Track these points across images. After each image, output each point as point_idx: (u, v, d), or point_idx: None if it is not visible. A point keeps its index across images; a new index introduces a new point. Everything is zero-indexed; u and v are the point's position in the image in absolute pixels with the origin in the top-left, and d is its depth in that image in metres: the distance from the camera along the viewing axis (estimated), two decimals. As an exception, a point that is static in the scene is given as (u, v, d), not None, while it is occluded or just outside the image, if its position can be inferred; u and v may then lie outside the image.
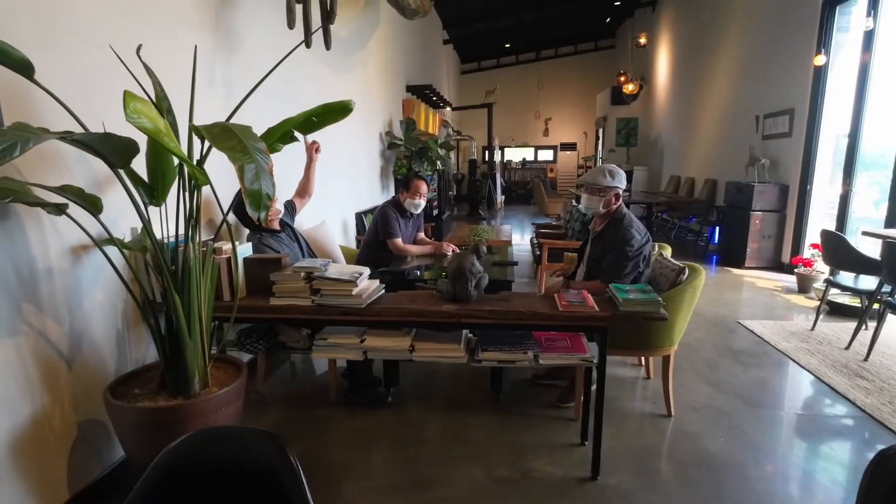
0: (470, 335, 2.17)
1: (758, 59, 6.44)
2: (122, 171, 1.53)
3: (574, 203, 6.33)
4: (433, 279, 2.81)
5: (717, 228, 7.00)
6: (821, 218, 5.45)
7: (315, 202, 4.01)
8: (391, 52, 6.65)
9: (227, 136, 1.43)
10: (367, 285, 2.14)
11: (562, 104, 15.80)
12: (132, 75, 1.69)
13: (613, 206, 2.56)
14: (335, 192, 4.46)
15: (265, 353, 2.25)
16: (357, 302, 2.02)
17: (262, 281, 2.11)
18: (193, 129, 1.50)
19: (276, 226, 2.78)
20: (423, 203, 3.53)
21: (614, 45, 14.86)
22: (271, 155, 2.04)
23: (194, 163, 1.66)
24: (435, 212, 7.12)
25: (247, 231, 2.75)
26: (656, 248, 3.12)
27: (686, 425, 2.47)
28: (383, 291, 2.22)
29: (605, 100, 12.44)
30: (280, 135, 1.92)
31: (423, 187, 3.51)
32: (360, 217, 4.98)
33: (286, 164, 3.33)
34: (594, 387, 2.07)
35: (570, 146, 16.19)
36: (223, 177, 2.17)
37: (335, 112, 1.95)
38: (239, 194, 2.79)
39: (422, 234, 3.76)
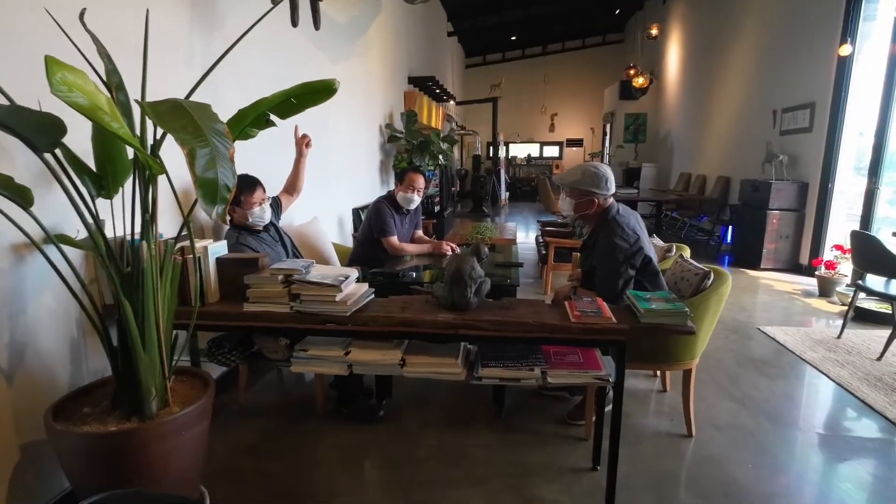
0: (469, 347, 1.93)
1: (776, 50, 6.14)
2: (53, 156, 1.29)
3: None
4: (431, 282, 2.57)
5: (731, 228, 6.72)
6: (842, 218, 5.18)
7: (308, 197, 3.78)
8: (393, 41, 6.39)
9: (176, 114, 1.19)
10: (354, 290, 1.90)
11: (568, 99, 15.49)
12: (77, 48, 1.45)
13: (591, 212, 2.21)
14: (331, 187, 4.22)
15: (242, 363, 2.02)
16: (341, 309, 1.79)
17: (238, 284, 1.87)
18: (141, 106, 1.26)
19: (262, 220, 2.55)
20: (417, 198, 3.29)
21: (623, 39, 14.54)
22: (245, 141, 1.81)
23: (148, 148, 1.42)
24: (436, 208, 6.87)
25: (228, 228, 2.51)
26: (674, 250, 2.87)
27: (709, 447, 2.23)
28: (373, 296, 1.99)
29: (614, 95, 12.13)
30: (253, 118, 1.67)
31: (420, 181, 3.26)
32: (357, 213, 4.74)
33: (271, 157, 3.09)
34: (609, 407, 1.82)
35: (576, 142, 15.88)
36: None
37: (316, 93, 1.71)
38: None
39: (420, 232, 3.52)
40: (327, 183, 4.11)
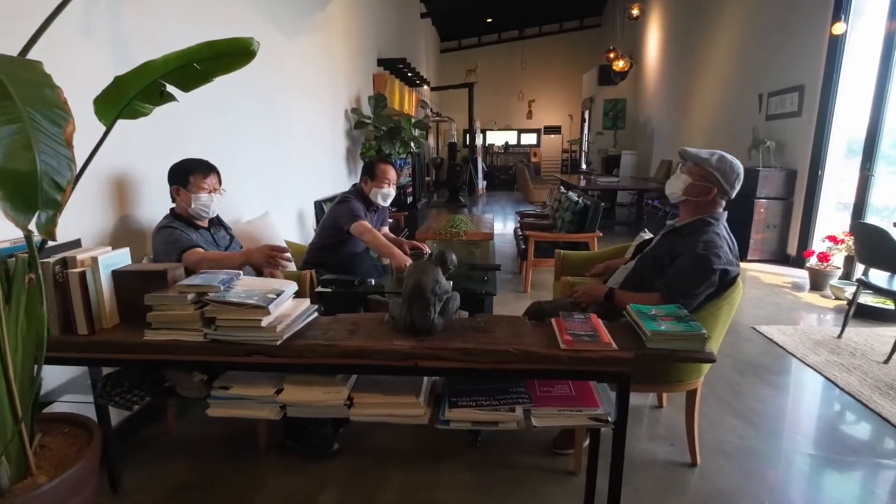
0: (435, 379, 1.56)
1: (763, 30, 5.87)
2: None
3: (562, 190, 5.75)
4: (396, 292, 2.18)
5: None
6: (831, 206, 4.97)
7: (262, 189, 3.35)
8: (359, 17, 5.91)
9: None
10: (289, 309, 1.50)
11: (546, 85, 15.13)
12: None
13: (701, 201, 1.86)
14: (288, 178, 3.78)
15: (148, 403, 1.60)
16: (270, 337, 1.39)
17: (142, 303, 1.46)
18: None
19: (207, 212, 2.13)
20: (392, 192, 2.88)
21: (601, 23, 14.20)
22: (138, 119, 1.39)
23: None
24: (409, 199, 6.46)
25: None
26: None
27: (717, 480, 1.91)
28: (315, 315, 1.60)
29: (592, 80, 11.83)
30: (142, 90, 1.26)
31: (391, 172, 2.85)
32: (319, 206, 4.30)
33: (226, 143, 2.64)
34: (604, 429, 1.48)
35: (554, 129, 15.57)
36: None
37: (227, 56, 1.30)
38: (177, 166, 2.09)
39: (386, 229, 3.12)
40: (282, 173, 3.67)
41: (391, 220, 4.29)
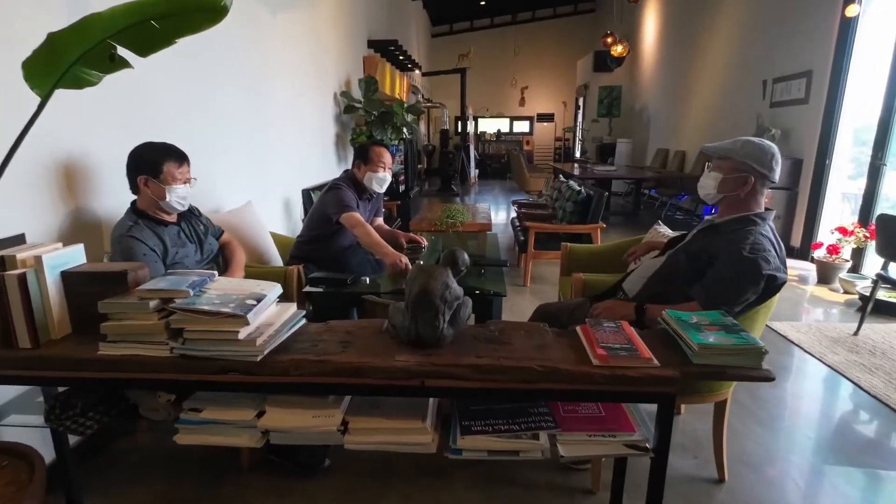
0: (442, 400, 1.35)
1: (769, 13, 5.68)
2: None
3: (563, 179, 5.54)
4: (393, 291, 1.97)
5: (714, 208, 6.32)
6: (836, 197, 4.83)
7: (243, 177, 3.09)
8: (348, -4, 5.60)
9: None
10: (271, 318, 1.28)
11: (539, 72, 14.83)
12: None
13: (741, 194, 1.64)
14: (273, 165, 3.52)
15: (106, 426, 1.38)
16: (249, 351, 1.18)
17: (97, 311, 1.23)
18: None
19: (182, 205, 1.88)
20: (388, 177, 2.63)
21: (594, 8, 13.92)
22: (85, 89, 1.14)
23: None
24: (401, 187, 6.21)
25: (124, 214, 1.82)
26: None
27: (747, 497, 1.74)
28: (304, 322, 1.38)
29: (587, 66, 11.58)
30: (85, 52, 1.01)
31: (387, 155, 2.60)
32: (307, 195, 4.04)
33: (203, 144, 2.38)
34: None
35: (547, 117, 15.31)
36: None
37: (194, 13, 1.06)
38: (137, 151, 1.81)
39: (380, 220, 2.89)
40: (266, 159, 3.41)
41: (384, 210, 4.05)
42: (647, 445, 1.19)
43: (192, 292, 1.24)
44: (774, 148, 1.65)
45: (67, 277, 1.31)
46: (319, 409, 1.24)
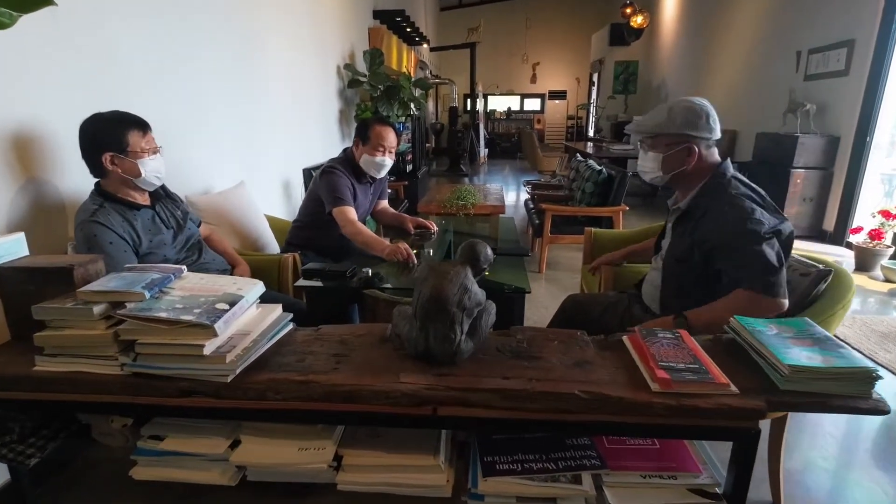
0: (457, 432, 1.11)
1: (804, -21, 5.25)
2: None
3: (580, 158, 5.23)
4: (400, 288, 1.71)
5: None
6: (874, 179, 4.49)
7: (236, 155, 2.83)
8: (351, -39, 5.24)
9: None
10: (248, 325, 1.04)
11: (552, 47, 14.28)
12: None
13: (689, 168, 1.45)
14: (269, 142, 3.25)
15: (49, 453, 1.15)
16: (216, 370, 0.94)
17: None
18: None
19: (157, 179, 1.63)
20: (389, 161, 2.32)
21: (611, -22, 13.30)
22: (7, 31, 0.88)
23: None
24: (409, 167, 5.92)
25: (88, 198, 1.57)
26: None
27: (810, 528, 1.51)
28: (290, 327, 1.14)
29: (603, 40, 11.08)
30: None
31: (390, 136, 2.29)
32: (308, 174, 3.79)
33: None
34: None
35: (559, 94, 14.81)
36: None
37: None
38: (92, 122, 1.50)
39: (385, 203, 2.62)
40: (261, 136, 3.14)
41: (389, 191, 3.77)
42: (718, 490, 0.94)
43: (147, 294, 1.00)
44: (706, 105, 1.45)
45: (2, 273, 1.08)
46: (307, 439, 1.01)
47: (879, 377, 0.90)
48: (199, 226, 1.88)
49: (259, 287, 1.13)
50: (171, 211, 1.73)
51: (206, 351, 0.93)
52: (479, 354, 1.03)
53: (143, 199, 1.64)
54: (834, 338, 1.01)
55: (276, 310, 1.14)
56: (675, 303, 1.47)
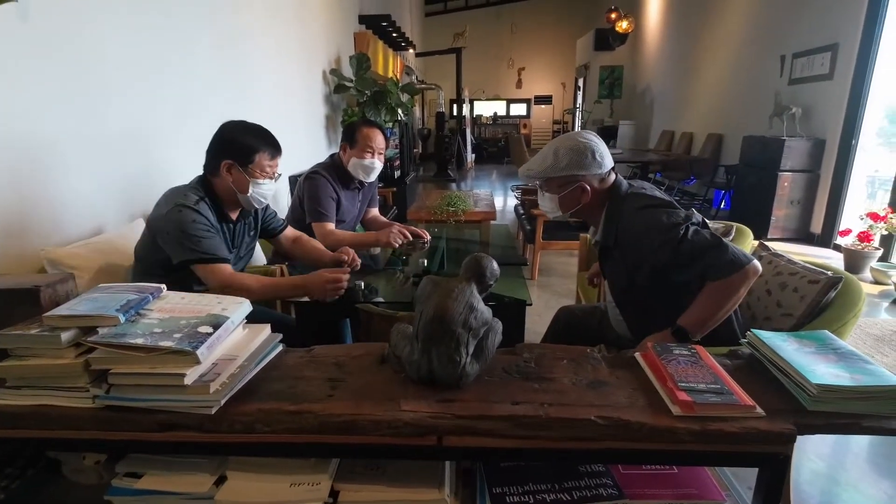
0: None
1: (787, -16, 5.31)
2: None
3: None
4: (394, 301, 1.63)
5: (725, 192, 6.02)
6: (861, 181, 4.54)
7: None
8: (336, -34, 5.18)
9: None
10: (234, 348, 0.96)
11: (537, 52, 14.35)
12: None
13: (586, 203, 1.43)
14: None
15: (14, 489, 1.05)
16: (199, 401, 0.85)
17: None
18: None
19: (262, 201, 1.61)
20: (378, 163, 2.25)
21: (594, -15, 13.42)
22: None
23: None
24: (397, 173, 5.84)
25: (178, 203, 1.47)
26: (734, 232, 2.04)
27: (823, 544, 1.46)
28: (280, 348, 1.06)
29: (588, 45, 11.15)
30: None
31: (378, 138, 2.22)
32: (295, 181, 3.68)
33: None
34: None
35: (545, 99, 14.87)
36: None
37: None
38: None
39: (375, 211, 2.54)
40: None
41: (378, 198, 3.69)
42: (744, 521, 0.88)
43: (122, 318, 0.91)
44: (590, 141, 1.42)
45: (-39, 296, 0.98)
46: (300, 473, 0.92)
47: (907, 394, 0.84)
48: (283, 229, 1.83)
49: (245, 306, 1.04)
50: (245, 232, 1.68)
51: (188, 380, 0.85)
52: (485, 377, 0.96)
53: (233, 214, 1.60)
54: (858, 352, 0.96)
55: (265, 330, 1.06)
56: (645, 326, 1.41)
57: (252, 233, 1.72)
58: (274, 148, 1.55)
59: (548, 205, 1.49)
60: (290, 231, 1.85)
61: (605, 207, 1.44)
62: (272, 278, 1.57)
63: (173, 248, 1.42)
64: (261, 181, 1.52)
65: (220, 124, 1.54)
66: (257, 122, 1.57)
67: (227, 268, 1.46)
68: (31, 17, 1.51)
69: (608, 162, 1.43)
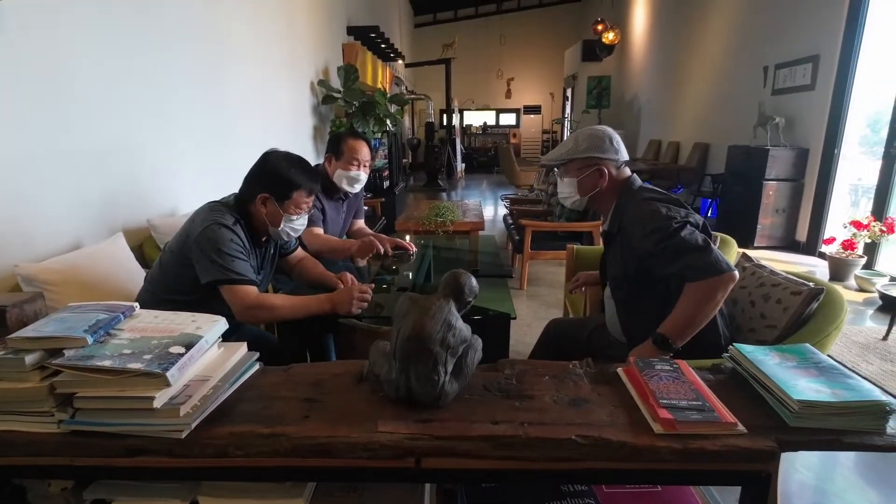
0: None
1: (769, -4, 5.41)
2: None
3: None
4: (377, 316, 1.61)
5: (712, 200, 6.08)
6: (844, 189, 4.60)
7: (203, 173, 2.71)
8: (324, -22, 5.20)
9: None
10: (207, 369, 0.93)
11: (526, 63, 14.48)
12: None
13: (604, 187, 1.50)
14: (240, 159, 3.12)
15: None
16: (169, 424, 0.83)
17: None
18: None
19: (292, 236, 1.63)
20: (364, 176, 2.25)
21: (582, -4, 13.61)
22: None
23: None
24: (386, 183, 5.84)
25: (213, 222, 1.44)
26: (718, 241, 2.04)
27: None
28: (257, 367, 1.03)
29: (575, 56, 11.27)
30: None
31: (364, 150, 2.22)
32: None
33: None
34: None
35: (534, 109, 14.99)
36: None
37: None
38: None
39: (361, 223, 2.53)
40: (230, 153, 3.02)
41: (366, 209, 3.67)
42: (728, 540, 0.87)
43: (90, 339, 0.88)
44: (607, 130, 1.55)
45: (-79, 318, 0.95)
46: (274, 497, 0.90)
47: (894, 410, 0.84)
48: (295, 249, 1.79)
49: (221, 324, 1.02)
50: (272, 256, 1.67)
51: (157, 403, 0.82)
52: (465, 395, 0.94)
53: (263, 238, 1.59)
54: (839, 365, 0.96)
55: (240, 349, 1.03)
56: (637, 326, 1.48)
57: (274, 253, 1.70)
58: (314, 184, 1.55)
59: (566, 189, 1.56)
60: (298, 251, 1.83)
61: (617, 198, 1.51)
62: (298, 297, 1.54)
63: (205, 265, 1.38)
64: (294, 217, 1.52)
65: (265, 151, 1.53)
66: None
67: (254, 289, 1.43)
68: (6, 31, 1.49)
69: (624, 152, 1.52)
